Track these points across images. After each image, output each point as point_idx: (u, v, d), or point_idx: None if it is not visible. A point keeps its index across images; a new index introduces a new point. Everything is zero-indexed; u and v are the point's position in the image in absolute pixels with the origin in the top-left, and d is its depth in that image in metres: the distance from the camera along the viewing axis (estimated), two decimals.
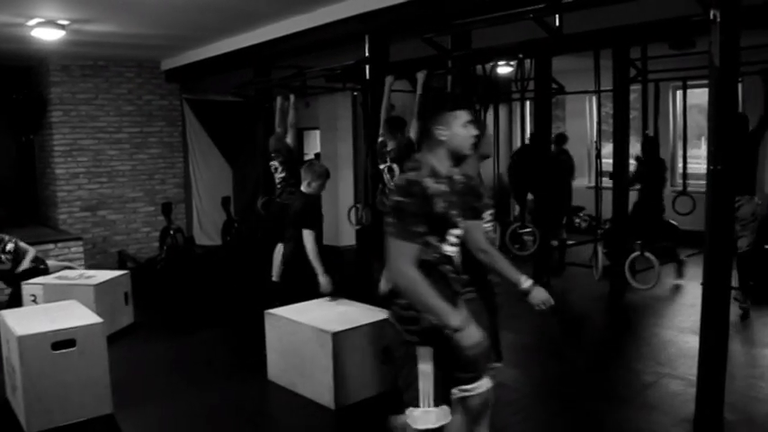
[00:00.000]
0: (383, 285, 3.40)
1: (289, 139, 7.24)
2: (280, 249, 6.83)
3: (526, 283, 3.19)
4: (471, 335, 2.62)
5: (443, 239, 2.75)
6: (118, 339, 6.08)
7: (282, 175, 7.02)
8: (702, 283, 4.20)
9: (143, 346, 6.20)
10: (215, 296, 8.06)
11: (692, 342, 4.62)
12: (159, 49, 9.13)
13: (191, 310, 7.49)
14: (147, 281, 8.70)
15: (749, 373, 5.10)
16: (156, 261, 9.70)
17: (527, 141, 8.95)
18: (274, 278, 6.77)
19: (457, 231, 2.81)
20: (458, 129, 2.76)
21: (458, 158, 2.83)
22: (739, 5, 3.87)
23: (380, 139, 5.91)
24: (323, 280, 5.16)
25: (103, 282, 6.37)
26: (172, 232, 9.87)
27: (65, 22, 6.82)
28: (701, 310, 4.17)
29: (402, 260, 2.60)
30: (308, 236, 5.15)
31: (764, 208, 7.55)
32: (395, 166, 5.77)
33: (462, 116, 2.77)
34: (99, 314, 4.81)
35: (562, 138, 9.22)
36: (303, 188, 5.41)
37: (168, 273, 9.29)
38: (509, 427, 4.37)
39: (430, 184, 2.68)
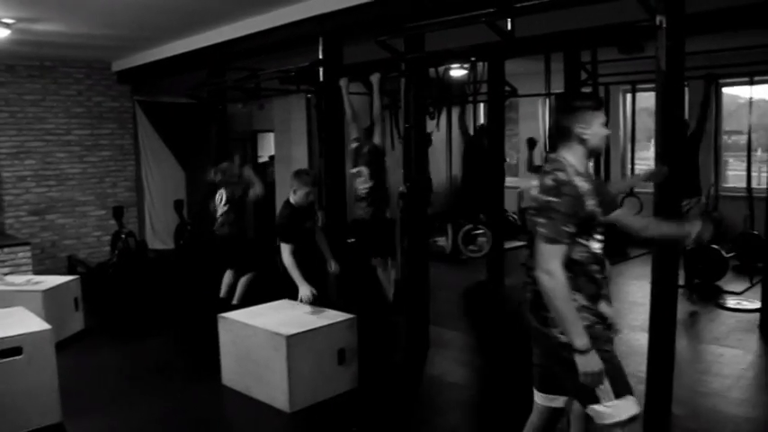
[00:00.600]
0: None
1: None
2: (229, 275, 6.93)
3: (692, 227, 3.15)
4: (591, 362, 2.62)
5: (591, 237, 2.77)
6: (67, 346, 5.96)
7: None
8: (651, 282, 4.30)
9: (94, 352, 6.09)
10: (168, 301, 7.95)
11: (642, 340, 4.72)
12: (110, 50, 8.97)
13: (143, 315, 7.37)
14: (98, 286, 8.54)
15: (696, 369, 5.23)
16: (107, 266, 9.52)
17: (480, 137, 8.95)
18: (222, 295, 6.88)
19: (601, 228, 2.83)
20: (598, 128, 2.80)
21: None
22: (684, 12, 3.98)
23: (356, 144, 5.94)
24: (303, 291, 5.09)
25: (52, 287, 6.22)
26: (123, 236, 9.69)
27: (10, 21, 6.65)
28: (650, 309, 4.27)
29: (553, 261, 2.60)
30: (283, 249, 5.13)
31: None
32: (364, 170, 5.81)
33: (602, 116, 2.82)
34: (47, 321, 4.71)
35: (532, 142, 9.28)
36: (290, 197, 5.36)
37: (120, 277, 9.13)
38: (462, 427, 4.41)
39: (580, 182, 2.70)
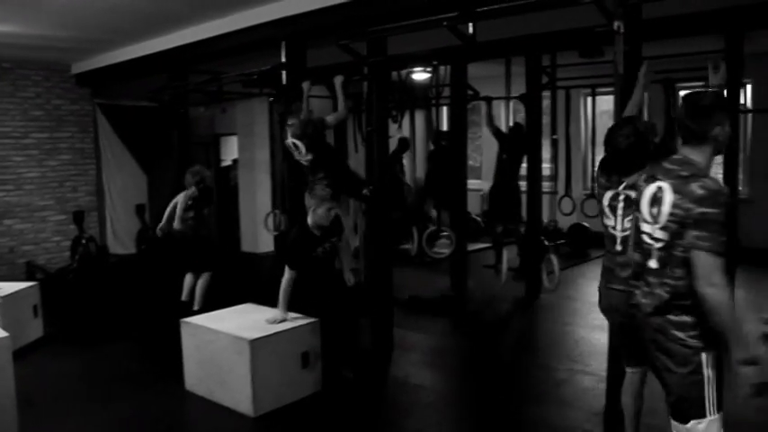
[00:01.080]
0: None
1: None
2: (189, 278, 6.92)
3: None
4: (759, 371, 2.57)
5: None
6: (26, 354, 5.85)
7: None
8: None
9: (53, 360, 5.98)
10: (130, 306, 7.84)
11: (603, 339, 4.81)
12: (69, 52, 8.83)
13: (104, 321, 7.26)
14: (57, 292, 8.40)
15: None
16: (67, 271, 9.38)
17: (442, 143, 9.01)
18: (184, 298, 6.91)
19: None
20: (728, 127, 2.72)
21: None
22: (641, 17, 4.07)
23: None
24: (277, 314, 4.94)
25: (10, 294, 6.10)
26: (84, 241, 9.56)
27: None
28: None
29: (718, 274, 2.52)
30: (285, 272, 4.94)
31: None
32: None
33: (728, 115, 2.76)
34: (4, 328, 4.60)
35: None
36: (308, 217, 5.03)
37: (80, 283, 8.99)
38: (427, 428, 4.43)
39: (726, 191, 2.64)
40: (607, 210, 3.57)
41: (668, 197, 2.65)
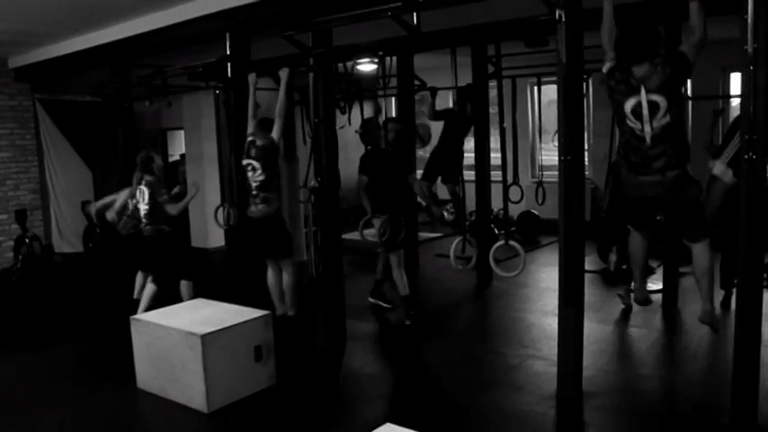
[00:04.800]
0: None
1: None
2: (140, 278, 6.83)
3: None
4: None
5: None
6: None
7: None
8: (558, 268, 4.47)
9: None
10: (77, 306, 7.67)
11: (554, 324, 4.89)
12: (4, 45, 8.56)
13: (51, 322, 7.10)
14: (1, 294, 8.20)
15: (604, 349, 5.46)
16: (11, 272, 9.16)
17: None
18: (136, 296, 6.78)
19: None
20: None
21: None
22: (581, 7, 4.15)
23: (250, 138, 5.86)
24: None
25: None
26: (27, 241, 9.35)
27: None
28: (558, 293, 4.44)
29: None
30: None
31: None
32: (257, 164, 5.75)
33: None
34: None
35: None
36: None
37: (25, 284, 8.78)
38: (381, 417, 4.46)
39: None
40: (631, 116, 4.06)
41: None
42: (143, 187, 6.39)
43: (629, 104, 4.04)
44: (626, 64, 3.98)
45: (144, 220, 6.41)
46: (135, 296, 6.75)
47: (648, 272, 5.34)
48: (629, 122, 4.08)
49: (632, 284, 5.59)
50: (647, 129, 4.01)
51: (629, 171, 4.21)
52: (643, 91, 3.96)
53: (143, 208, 6.38)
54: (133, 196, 6.55)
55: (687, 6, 3.87)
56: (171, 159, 12.55)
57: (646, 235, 4.60)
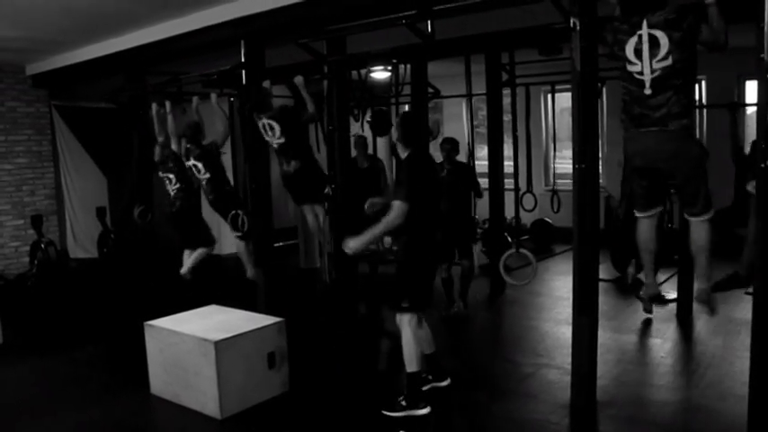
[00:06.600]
0: None
1: (174, 147, 7.02)
2: (188, 255, 7.05)
3: None
4: None
5: None
6: None
7: (177, 186, 6.85)
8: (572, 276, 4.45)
9: (12, 368, 5.85)
10: (92, 311, 7.72)
11: (567, 333, 4.88)
12: (23, 53, 8.66)
13: (66, 326, 7.15)
14: (17, 299, 8.29)
15: (618, 358, 5.42)
16: (26, 277, 9.21)
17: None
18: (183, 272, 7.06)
19: None
20: None
21: None
22: (596, 15, 4.14)
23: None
24: None
25: None
26: (43, 246, 9.40)
27: None
28: (572, 301, 4.42)
29: None
30: None
31: None
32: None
33: None
34: None
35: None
36: None
37: (41, 289, 8.84)
38: (396, 425, 4.44)
39: None
40: (632, 56, 3.77)
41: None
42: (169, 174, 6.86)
43: (630, 45, 3.77)
44: (630, 13, 3.80)
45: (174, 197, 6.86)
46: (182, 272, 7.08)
47: (660, 263, 4.77)
48: (629, 67, 3.81)
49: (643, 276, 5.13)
50: (647, 71, 3.72)
51: (631, 124, 3.93)
52: (645, 24, 3.70)
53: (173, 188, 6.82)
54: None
55: None
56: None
57: (653, 216, 4.21)
